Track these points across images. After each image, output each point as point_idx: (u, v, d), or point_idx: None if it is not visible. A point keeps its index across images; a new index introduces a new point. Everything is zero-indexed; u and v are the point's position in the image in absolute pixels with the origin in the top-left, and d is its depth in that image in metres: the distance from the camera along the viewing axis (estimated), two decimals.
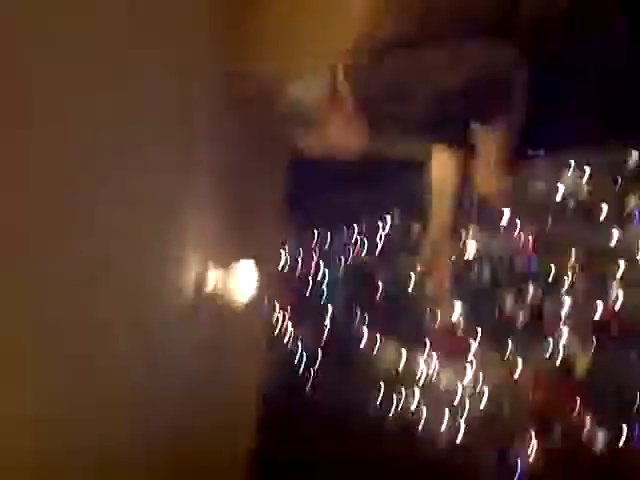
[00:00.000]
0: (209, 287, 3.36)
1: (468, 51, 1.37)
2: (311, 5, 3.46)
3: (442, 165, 1.86)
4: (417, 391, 3.07)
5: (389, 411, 3.13)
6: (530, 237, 2.86)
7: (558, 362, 2.60)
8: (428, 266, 1.87)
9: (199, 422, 2.73)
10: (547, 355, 2.63)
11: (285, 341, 3.61)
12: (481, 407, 2.79)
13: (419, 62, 1.41)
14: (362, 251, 3.46)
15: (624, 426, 2.45)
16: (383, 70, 1.44)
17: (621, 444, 2.44)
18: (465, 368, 2.88)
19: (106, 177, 1.98)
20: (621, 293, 2.62)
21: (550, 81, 1.44)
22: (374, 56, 1.44)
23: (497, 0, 1.42)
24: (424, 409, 3.01)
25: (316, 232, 3.69)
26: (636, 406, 2.44)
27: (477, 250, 2.94)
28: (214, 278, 3.38)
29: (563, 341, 2.60)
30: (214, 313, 3.42)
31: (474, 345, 2.85)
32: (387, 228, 3.43)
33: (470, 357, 2.87)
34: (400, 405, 3.10)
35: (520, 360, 2.71)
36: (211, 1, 2.87)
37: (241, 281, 3.44)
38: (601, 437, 2.47)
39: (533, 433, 2.60)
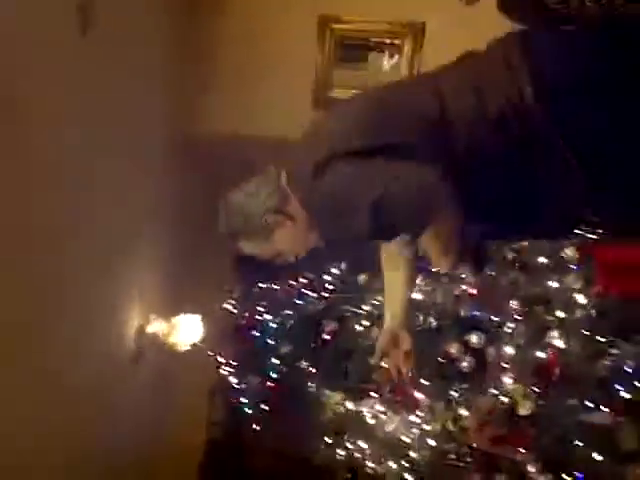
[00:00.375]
0: (154, 338, 3.32)
1: (401, 163, 1.40)
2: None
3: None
4: (363, 440, 3.05)
5: (335, 459, 3.11)
6: (473, 287, 2.94)
7: (502, 408, 2.64)
8: (384, 354, 1.91)
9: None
10: (491, 401, 2.67)
11: (228, 393, 3.56)
12: (427, 453, 2.79)
13: (358, 174, 1.42)
14: (309, 302, 3.47)
15: (566, 470, 2.50)
16: (324, 181, 1.44)
17: None
18: (411, 416, 2.89)
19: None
20: (560, 341, 2.71)
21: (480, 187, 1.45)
22: (317, 165, 1.45)
23: (427, 102, 1.45)
24: (370, 457, 2.99)
25: (262, 285, 3.69)
26: (578, 451, 2.50)
27: (422, 300, 2.99)
28: (159, 329, 3.35)
29: (506, 387, 2.65)
30: (157, 368, 3.38)
31: (419, 393, 2.87)
32: (334, 280, 3.46)
33: (415, 405, 2.88)
34: (346, 453, 3.08)
35: (464, 406, 2.74)
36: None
37: (185, 333, 3.41)
38: None
39: (479, 478, 2.61)
